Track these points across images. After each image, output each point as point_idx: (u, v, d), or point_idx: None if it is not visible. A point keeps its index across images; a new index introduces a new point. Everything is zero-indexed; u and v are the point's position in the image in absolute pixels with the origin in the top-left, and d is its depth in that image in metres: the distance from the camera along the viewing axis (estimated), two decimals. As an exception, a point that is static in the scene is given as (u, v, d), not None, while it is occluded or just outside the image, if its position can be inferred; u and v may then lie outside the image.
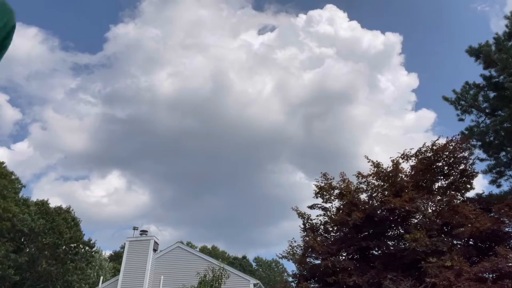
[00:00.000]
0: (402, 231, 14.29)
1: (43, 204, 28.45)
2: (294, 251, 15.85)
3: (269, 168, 62.91)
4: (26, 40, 54.01)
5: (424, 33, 59.54)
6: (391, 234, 15.16)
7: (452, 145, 14.55)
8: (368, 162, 15.56)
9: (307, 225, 16.24)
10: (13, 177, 29.24)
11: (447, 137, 14.98)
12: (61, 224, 27.00)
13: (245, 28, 62.78)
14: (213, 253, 49.40)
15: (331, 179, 15.85)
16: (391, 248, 14.24)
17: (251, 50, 54.67)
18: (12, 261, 24.03)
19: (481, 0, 52.80)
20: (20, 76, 55.44)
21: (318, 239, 15.21)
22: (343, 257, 14.87)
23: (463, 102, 16.30)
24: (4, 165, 28.26)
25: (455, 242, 13.77)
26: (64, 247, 27.35)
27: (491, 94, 16.03)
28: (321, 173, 16.03)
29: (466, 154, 14.70)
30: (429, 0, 57.71)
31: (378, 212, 14.39)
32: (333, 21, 51.16)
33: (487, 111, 16.16)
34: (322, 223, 16.18)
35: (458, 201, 14.32)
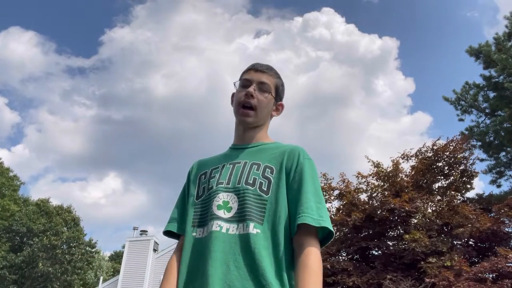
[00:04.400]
0: (402, 231, 14.26)
1: (43, 203, 28.26)
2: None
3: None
4: (21, 44, 54.11)
5: (421, 37, 59.68)
6: (391, 234, 15.13)
7: (452, 145, 14.54)
8: (368, 162, 15.55)
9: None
10: (11, 174, 28.94)
11: (447, 137, 15.01)
12: (59, 223, 26.86)
13: (240, 32, 62.83)
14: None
15: (330, 180, 15.84)
16: (391, 248, 14.21)
17: (246, 53, 54.66)
18: (9, 261, 23.93)
19: (469, 7, 53.09)
20: (15, 79, 55.45)
21: (318, 239, 15.15)
22: (343, 258, 14.84)
23: (463, 102, 16.31)
24: (1, 160, 28.04)
25: (455, 242, 13.75)
26: (64, 246, 27.21)
27: (491, 94, 16.03)
28: (321, 173, 16.01)
29: (466, 154, 14.69)
30: (425, 5, 57.84)
31: (378, 212, 14.36)
32: (330, 24, 51.09)
33: (487, 111, 16.17)
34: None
35: (458, 201, 14.30)
